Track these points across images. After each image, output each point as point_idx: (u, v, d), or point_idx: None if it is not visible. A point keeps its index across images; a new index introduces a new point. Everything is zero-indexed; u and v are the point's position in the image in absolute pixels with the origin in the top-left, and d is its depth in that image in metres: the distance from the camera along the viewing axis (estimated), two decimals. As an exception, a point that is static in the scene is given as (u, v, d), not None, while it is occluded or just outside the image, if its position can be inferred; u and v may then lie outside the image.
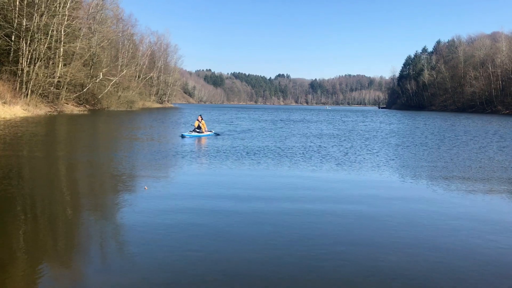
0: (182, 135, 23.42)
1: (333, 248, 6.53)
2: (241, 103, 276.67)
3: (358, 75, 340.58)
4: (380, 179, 12.60)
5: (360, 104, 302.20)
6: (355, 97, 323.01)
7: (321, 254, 6.26)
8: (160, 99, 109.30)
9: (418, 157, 17.62)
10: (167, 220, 7.76)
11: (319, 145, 21.32)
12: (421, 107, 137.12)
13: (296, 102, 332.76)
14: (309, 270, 5.70)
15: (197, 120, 24.96)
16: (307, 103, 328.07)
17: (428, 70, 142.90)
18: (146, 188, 10.15)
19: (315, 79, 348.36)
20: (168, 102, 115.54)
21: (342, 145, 21.61)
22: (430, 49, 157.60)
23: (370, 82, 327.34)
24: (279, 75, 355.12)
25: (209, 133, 24.97)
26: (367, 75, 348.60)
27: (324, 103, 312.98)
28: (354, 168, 14.27)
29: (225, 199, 9.44)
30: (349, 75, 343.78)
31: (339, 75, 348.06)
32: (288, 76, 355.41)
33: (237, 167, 13.95)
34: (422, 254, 6.36)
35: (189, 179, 12.01)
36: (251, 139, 23.71)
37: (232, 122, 43.01)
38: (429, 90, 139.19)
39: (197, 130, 24.17)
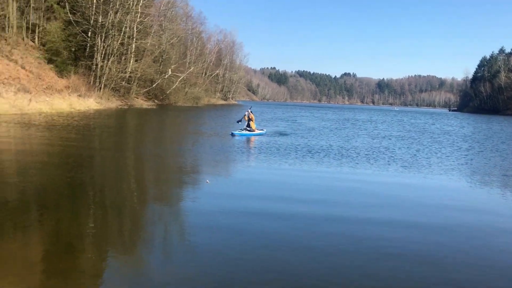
0: (232, 133, 21.95)
1: (402, 267, 6.11)
2: (304, 102, 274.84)
3: (428, 76, 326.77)
4: (449, 186, 11.83)
5: (429, 106, 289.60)
6: (424, 98, 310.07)
7: (390, 277, 5.76)
8: (225, 96, 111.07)
9: (493, 164, 16.43)
10: (229, 215, 7.70)
11: (386, 147, 20.53)
12: (495, 110, 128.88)
13: (362, 101, 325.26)
14: None
15: (245, 114, 23.31)
16: (373, 103, 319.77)
17: (505, 72, 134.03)
18: (208, 181, 10.18)
19: (383, 78, 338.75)
20: (232, 99, 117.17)
21: (410, 148, 20.67)
22: (508, 49, 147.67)
23: (441, 83, 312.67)
24: (344, 74, 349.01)
25: (261, 131, 23.54)
26: (438, 76, 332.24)
27: (391, 104, 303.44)
28: (422, 173, 13.52)
29: (284, 200, 9.20)
30: (419, 76, 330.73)
31: (408, 75, 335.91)
32: (354, 75, 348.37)
33: (297, 166, 13.67)
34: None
35: (250, 175, 11.94)
36: (313, 138, 23.30)
37: (295, 120, 42.69)
38: (505, 93, 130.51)
39: (248, 129, 22.71)
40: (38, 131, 18.89)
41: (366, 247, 6.36)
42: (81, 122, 25.04)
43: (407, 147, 20.66)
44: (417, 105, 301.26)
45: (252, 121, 22.77)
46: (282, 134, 24.82)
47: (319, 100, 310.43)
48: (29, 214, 7.24)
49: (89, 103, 38.99)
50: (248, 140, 20.01)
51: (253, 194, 9.55)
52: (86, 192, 9.02)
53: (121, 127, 26.08)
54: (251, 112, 23.05)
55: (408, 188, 11.15)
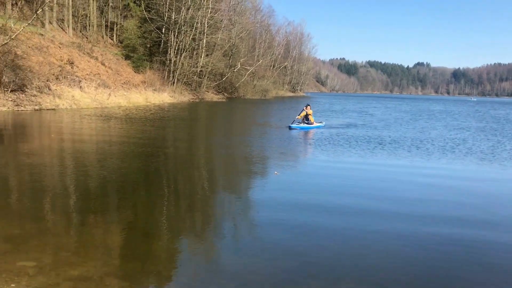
0: (289, 126, 21.03)
1: None
2: (375, 93, 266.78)
3: (509, 64, 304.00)
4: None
5: (511, 96, 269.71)
6: (505, 87, 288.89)
7: None
8: (293, 88, 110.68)
9: None
10: (298, 209, 7.63)
11: (464, 139, 19.42)
12: None
13: (436, 92, 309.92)
14: None
15: (304, 109, 22.31)
16: (448, 93, 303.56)
17: None
18: (276, 173, 10.19)
19: (459, 67, 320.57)
20: (300, 91, 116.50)
21: (494, 140, 19.39)
22: None
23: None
24: (418, 63, 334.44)
25: (319, 124, 22.41)
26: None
27: (468, 94, 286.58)
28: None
29: (352, 195, 8.97)
30: (499, 64, 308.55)
31: (487, 64, 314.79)
32: (428, 65, 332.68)
33: (369, 158, 13.29)
34: None
35: (318, 168, 11.78)
36: (386, 130, 22.56)
37: (366, 111, 41.57)
38: None
39: (306, 122, 21.82)
40: (118, 124, 19.96)
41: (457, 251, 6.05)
42: (156, 115, 26.11)
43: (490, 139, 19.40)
44: (496, 95, 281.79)
45: (310, 115, 21.97)
46: (352, 125, 24.28)
47: (391, 91, 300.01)
48: (109, 201, 7.67)
49: (163, 97, 40.57)
50: (308, 133, 19.59)
51: (321, 188, 9.40)
52: (161, 181, 9.42)
53: (193, 119, 26.88)
54: (309, 107, 22.27)
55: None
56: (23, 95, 24.59)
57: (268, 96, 72.49)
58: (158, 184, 9.08)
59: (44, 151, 12.45)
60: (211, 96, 55.27)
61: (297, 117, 22.36)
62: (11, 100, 23.62)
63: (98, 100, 30.14)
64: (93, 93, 30.49)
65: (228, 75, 61.12)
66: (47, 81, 27.12)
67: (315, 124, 21.99)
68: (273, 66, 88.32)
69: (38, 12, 28.46)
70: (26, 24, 26.54)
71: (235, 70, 62.83)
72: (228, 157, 13.20)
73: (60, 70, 29.64)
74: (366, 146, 15.61)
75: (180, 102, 42.16)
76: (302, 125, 21.35)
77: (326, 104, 55.23)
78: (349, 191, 8.98)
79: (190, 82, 50.83)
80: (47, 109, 24.63)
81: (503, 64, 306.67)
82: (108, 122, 20.38)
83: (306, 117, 21.87)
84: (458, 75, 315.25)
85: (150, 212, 7.06)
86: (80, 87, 30.06)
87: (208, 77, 54.49)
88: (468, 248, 5.89)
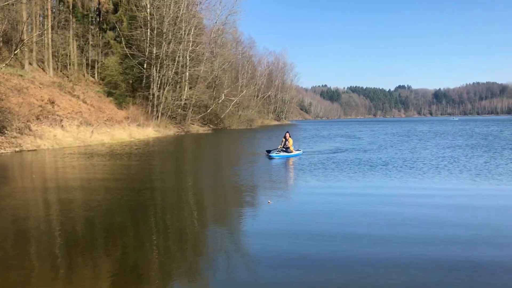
0: (269, 156, 20.33)
1: None
2: (358, 117, 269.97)
3: (488, 83, 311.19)
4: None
5: (491, 114, 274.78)
6: (485, 106, 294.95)
7: None
8: (278, 116, 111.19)
9: None
10: (292, 238, 7.17)
11: (457, 157, 19.22)
12: None
13: (419, 113, 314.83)
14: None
15: (284, 137, 21.73)
16: (431, 114, 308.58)
17: None
18: (270, 202, 9.70)
19: (439, 88, 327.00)
20: (285, 119, 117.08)
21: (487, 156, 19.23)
22: None
23: (502, 89, 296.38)
24: (399, 87, 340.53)
25: (297, 152, 21.65)
26: (499, 82, 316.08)
27: (450, 114, 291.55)
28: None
29: (349, 225, 8.56)
30: (478, 83, 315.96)
31: (466, 83, 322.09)
32: (409, 87, 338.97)
33: (361, 182, 12.92)
34: None
35: (312, 195, 11.32)
36: (376, 152, 22.32)
37: (354, 136, 41.54)
38: None
39: (284, 149, 21.06)
40: (102, 161, 19.36)
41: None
42: (141, 150, 25.55)
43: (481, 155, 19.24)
44: (477, 113, 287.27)
45: (289, 143, 21.32)
46: (341, 150, 24.02)
47: (374, 115, 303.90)
48: (97, 242, 7.26)
49: (148, 131, 40.04)
50: (288, 161, 18.90)
51: (316, 215, 8.92)
52: (149, 218, 8.83)
53: (179, 152, 26.36)
54: (288, 135, 21.64)
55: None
56: (3, 137, 23.88)
57: (253, 126, 72.42)
58: (146, 220, 8.53)
59: (26, 193, 11.80)
60: (197, 128, 54.91)
61: (279, 146, 21.56)
62: (-10, 143, 22.89)
63: (81, 138, 29.49)
64: (75, 132, 29.86)
65: (213, 106, 61.02)
66: (27, 121, 26.48)
67: (294, 152, 21.30)
68: (257, 96, 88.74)
69: (16, 52, 28.09)
70: (4, 65, 26.09)
71: (219, 101, 62.82)
72: (217, 188, 12.68)
73: (41, 110, 29.06)
74: (358, 168, 15.27)
75: (166, 136, 41.65)
76: (281, 153, 20.51)
77: (313, 131, 55.25)
78: (344, 221, 8.52)
79: (174, 116, 50.49)
80: (28, 150, 23.90)
81: (482, 83, 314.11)
82: (91, 160, 19.75)
83: (285, 145, 21.31)
84: (439, 96, 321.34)
85: (140, 252, 6.68)
86: (62, 126, 29.44)
87: (192, 110, 54.27)
88: (475, 269, 5.45)
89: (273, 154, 20.37)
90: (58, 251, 6.75)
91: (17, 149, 23.51)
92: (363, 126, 73.72)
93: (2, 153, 22.37)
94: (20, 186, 13.08)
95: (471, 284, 5.10)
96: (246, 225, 8.06)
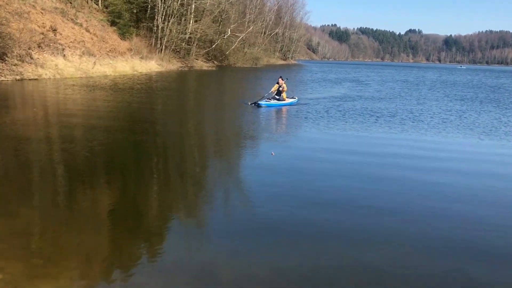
0: (257, 103, 17.53)
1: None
2: (366, 60, 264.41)
3: (500, 31, 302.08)
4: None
5: (501, 64, 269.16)
6: (496, 55, 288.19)
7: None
8: (284, 55, 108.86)
9: None
10: (291, 180, 7.34)
11: (467, 110, 18.88)
12: None
13: (427, 59, 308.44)
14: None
15: (277, 83, 18.83)
16: (439, 61, 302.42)
17: None
18: (273, 153, 9.50)
19: (450, 35, 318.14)
20: (291, 58, 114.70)
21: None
22: None
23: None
24: (409, 31, 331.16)
25: (291, 100, 19.03)
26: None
27: (459, 62, 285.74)
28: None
29: (350, 176, 8.43)
30: (490, 31, 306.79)
31: (478, 31, 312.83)
32: (419, 32, 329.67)
33: (366, 131, 12.71)
34: None
35: (315, 141, 11.13)
36: (383, 102, 21.93)
37: (362, 81, 40.78)
38: None
39: (277, 97, 18.44)
40: (104, 95, 19.05)
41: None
42: (144, 85, 25.14)
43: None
44: (487, 62, 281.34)
45: (283, 91, 18.66)
46: (348, 97, 23.56)
47: (382, 58, 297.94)
48: (97, 176, 7.44)
49: (151, 65, 39.31)
50: (281, 110, 17.11)
51: (318, 163, 8.81)
52: (150, 155, 9.14)
53: (182, 90, 25.98)
54: (281, 80, 18.75)
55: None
56: (3, 64, 23.38)
57: (259, 64, 71.04)
58: (147, 158, 8.79)
59: (28, 126, 11.65)
60: (201, 64, 53.89)
61: (270, 91, 18.99)
62: (-10, 70, 22.45)
63: (83, 69, 28.95)
64: (78, 62, 29.25)
65: (218, 42, 59.51)
66: (28, 49, 25.81)
67: (287, 101, 18.68)
68: (264, 33, 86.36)
69: (16, -25, 26.84)
70: (4, -12, 25.04)
71: (225, 37, 61.16)
72: (218, 131, 12.59)
73: (43, 38, 28.25)
74: (367, 119, 15.00)
75: (168, 71, 40.95)
76: (272, 102, 18.03)
77: (319, 73, 54.24)
78: (347, 178, 8.40)
79: (178, 50, 49.34)
80: (29, 79, 23.51)
81: (495, 32, 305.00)
82: (93, 93, 19.46)
83: (278, 92, 18.60)
84: (449, 43, 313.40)
85: (140, 187, 6.97)
86: (64, 55, 28.78)
87: (197, 44, 52.95)
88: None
89: (262, 102, 17.74)
90: (59, 184, 6.96)
91: (18, 78, 23.11)
92: (371, 71, 72.39)
93: (2, 80, 22.00)
94: (21, 118, 12.92)
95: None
96: (246, 167, 8.37)
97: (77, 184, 6.94)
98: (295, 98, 19.64)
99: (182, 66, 47.48)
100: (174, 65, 45.49)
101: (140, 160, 8.67)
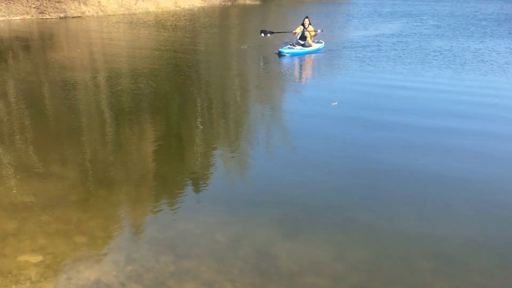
0: (279, 51, 14.28)
1: None
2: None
3: None
4: None
5: None
6: None
7: None
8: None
9: None
10: (334, 123, 7.32)
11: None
12: None
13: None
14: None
15: (301, 25, 15.02)
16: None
17: None
18: (335, 104, 8.51)
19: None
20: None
21: None
22: None
23: None
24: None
25: (318, 46, 15.38)
26: None
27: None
28: None
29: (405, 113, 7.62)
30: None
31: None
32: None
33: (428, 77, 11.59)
34: None
35: (360, 85, 10.20)
36: (445, 40, 20.14)
37: (418, 14, 37.90)
38: None
39: (301, 43, 14.78)
40: (147, 32, 18.50)
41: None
42: (187, 22, 24.31)
43: None
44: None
45: (309, 34, 14.92)
46: (402, 35, 21.75)
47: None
48: (143, 111, 7.78)
49: (193, 0, 38.08)
50: (305, 59, 14.28)
51: (363, 103, 8.54)
52: (193, 92, 9.31)
53: (225, 27, 24.97)
54: (308, 21, 14.95)
55: None
56: (47, 1, 23.05)
57: (306, -1, 67.62)
58: (190, 96, 9.04)
59: (74, 69, 11.45)
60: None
61: (293, 34, 15.23)
62: (35, 7, 22.19)
63: (125, 5, 28.25)
64: (120, -2, 28.53)
65: (262, -26, 56.65)
66: (71, -15, 25.27)
67: (313, 47, 15.11)
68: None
69: None
70: None
71: (270, -32, 58.11)
72: (262, 70, 12.47)
73: (84, -28, 27.53)
74: (417, 60, 13.73)
75: (211, 6, 39.58)
76: (295, 49, 14.48)
77: (373, 6, 50.81)
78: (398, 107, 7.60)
79: (221, -16, 47.34)
80: (73, 17, 23.15)
81: None
82: (138, 31, 18.91)
83: (303, 36, 14.86)
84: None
85: (183, 122, 7.25)
86: (106, -9, 28.07)
87: (241, -23, 50.57)
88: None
89: (283, 49, 14.38)
90: (107, 118, 7.31)
91: (61, 15, 22.80)
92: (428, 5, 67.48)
93: (47, 18, 21.77)
94: (67, 58, 12.77)
95: None
96: (288, 106, 8.58)
97: (124, 118, 7.27)
98: (321, 42, 15.80)
99: (225, 1, 45.79)
100: (217, 0, 43.92)
101: (184, 96, 9.02)
